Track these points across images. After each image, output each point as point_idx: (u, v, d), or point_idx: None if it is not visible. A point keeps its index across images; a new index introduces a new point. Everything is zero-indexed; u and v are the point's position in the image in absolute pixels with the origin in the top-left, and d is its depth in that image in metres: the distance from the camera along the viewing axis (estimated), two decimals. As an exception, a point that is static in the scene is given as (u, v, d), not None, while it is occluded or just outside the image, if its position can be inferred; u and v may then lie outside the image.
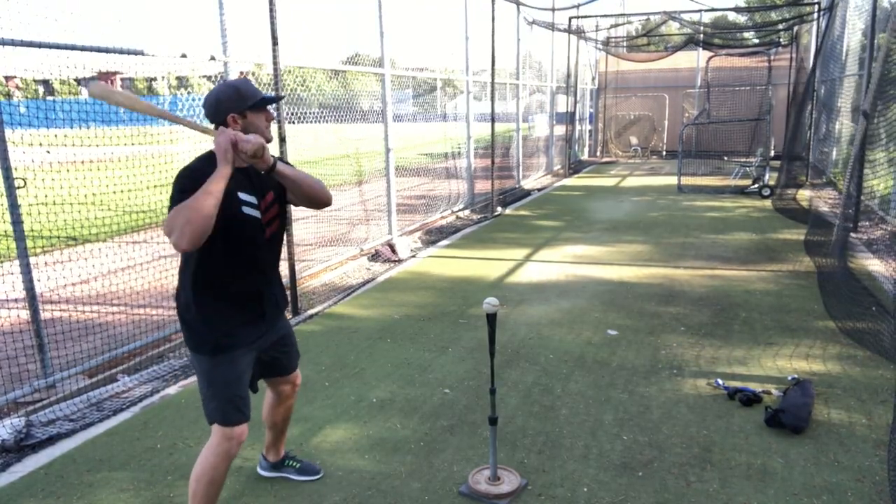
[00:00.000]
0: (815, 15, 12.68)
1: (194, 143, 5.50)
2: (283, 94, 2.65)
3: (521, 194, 12.58)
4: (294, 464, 3.16)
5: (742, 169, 12.93)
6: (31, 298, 4.04)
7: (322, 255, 7.35)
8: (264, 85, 6.20)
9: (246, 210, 2.45)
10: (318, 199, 2.58)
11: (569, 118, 16.30)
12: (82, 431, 3.64)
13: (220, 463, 2.53)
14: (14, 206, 3.89)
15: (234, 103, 2.41)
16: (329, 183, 8.41)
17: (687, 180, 12.71)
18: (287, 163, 2.57)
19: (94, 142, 4.62)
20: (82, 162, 4.88)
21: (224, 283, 2.48)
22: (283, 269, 6.09)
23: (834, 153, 12.55)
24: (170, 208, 2.26)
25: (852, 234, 7.79)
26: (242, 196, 2.44)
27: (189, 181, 2.29)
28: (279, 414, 3.01)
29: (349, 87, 7.94)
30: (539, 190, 13.26)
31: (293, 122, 6.40)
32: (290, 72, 6.16)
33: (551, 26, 14.78)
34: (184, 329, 2.54)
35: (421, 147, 14.12)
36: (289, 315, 5.58)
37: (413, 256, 7.71)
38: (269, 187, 2.55)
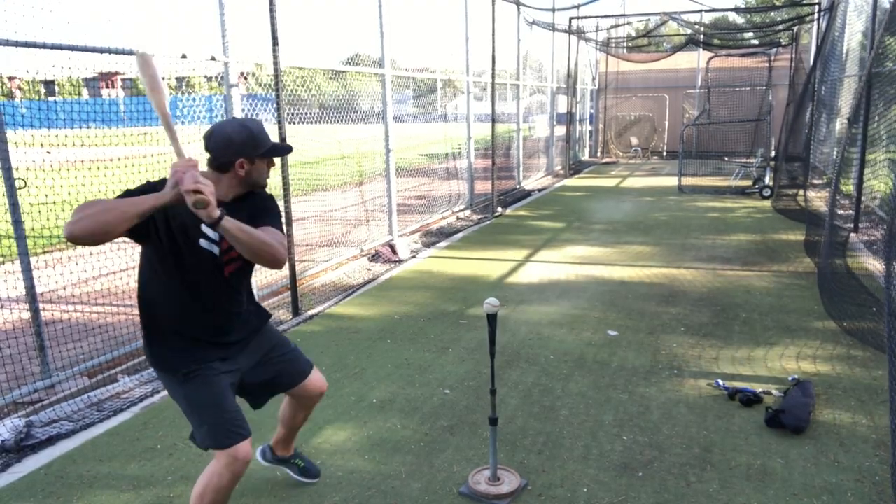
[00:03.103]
0: (816, 15, 12.68)
1: (190, 143, 5.50)
2: (291, 146, 2.51)
3: (521, 195, 12.58)
4: (299, 462, 3.13)
5: (742, 169, 12.93)
6: (32, 298, 4.04)
7: (322, 256, 7.35)
8: (265, 85, 6.20)
9: (202, 243, 2.31)
10: (263, 263, 2.27)
11: (569, 118, 16.30)
12: (82, 431, 3.64)
13: (226, 486, 2.38)
14: (14, 206, 3.89)
15: (248, 149, 2.31)
16: (329, 184, 8.43)
17: (687, 181, 12.71)
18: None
19: (94, 142, 4.62)
20: (82, 162, 4.88)
21: (176, 317, 2.36)
22: (284, 269, 6.10)
23: (834, 153, 12.54)
24: None
25: (853, 235, 7.79)
26: (204, 229, 2.29)
27: (136, 189, 2.22)
28: (300, 418, 2.94)
29: (349, 87, 7.94)
30: (539, 190, 13.26)
31: (293, 123, 6.40)
32: (289, 72, 6.16)
33: (551, 27, 14.79)
34: (149, 350, 2.40)
35: (421, 147, 14.12)
36: (289, 315, 5.59)
37: (413, 257, 7.71)
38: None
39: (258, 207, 2.40)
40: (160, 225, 2.24)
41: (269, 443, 3.15)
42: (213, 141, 2.31)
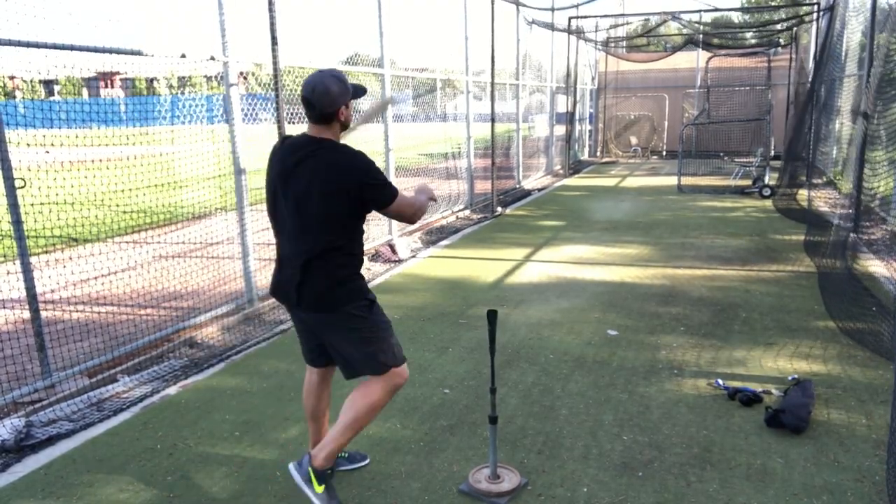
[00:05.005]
0: (815, 15, 12.69)
1: (192, 143, 5.51)
2: (365, 87, 2.92)
3: (521, 194, 12.59)
4: (343, 454, 3.23)
5: (742, 169, 12.93)
6: (31, 298, 4.04)
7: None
8: (264, 85, 6.19)
9: None
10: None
11: (568, 118, 16.30)
12: (82, 431, 3.64)
13: (384, 403, 2.83)
14: (14, 206, 3.89)
15: (345, 96, 2.67)
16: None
17: (687, 180, 12.71)
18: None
19: (94, 142, 4.62)
20: (82, 162, 4.88)
21: (362, 253, 2.88)
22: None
23: (834, 153, 12.54)
24: (388, 187, 2.72)
25: (852, 235, 7.79)
26: None
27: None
28: (325, 399, 3.15)
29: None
30: (539, 190, 13.26)
31: (293, 122, 6.39)
32: (290, 72, 6.16)
33: (551, 26, 14.78)
34: (348, 296, 2.76)
35: (421, 147, 14.11)
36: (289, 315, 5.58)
37: (413, 256, 7.71)
38: None
39: None
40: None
41: (307, 452, 3.16)
42: (317, 97, 2.62)
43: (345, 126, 2.74)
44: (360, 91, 2.76)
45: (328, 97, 2.61)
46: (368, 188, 2.65)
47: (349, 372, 2.86)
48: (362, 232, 2.84)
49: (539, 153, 15.83)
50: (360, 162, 2.65)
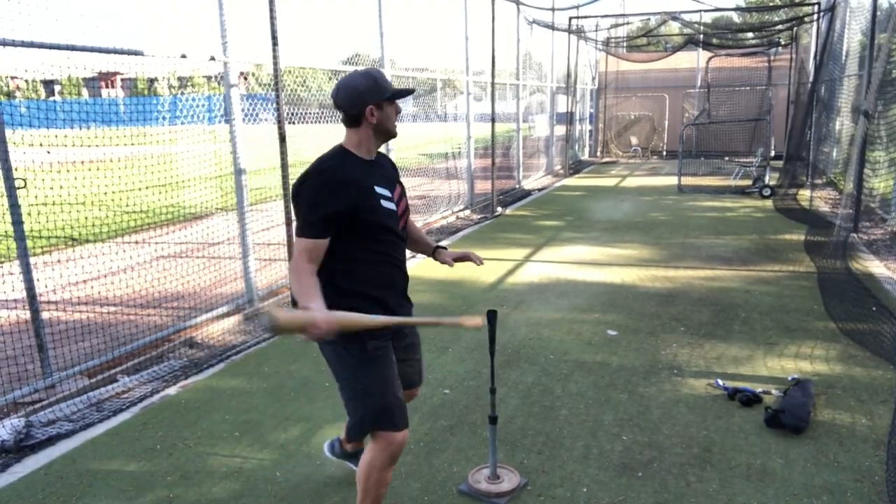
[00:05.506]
0: (815, 16, 12.69)
1: (195, 144, 5.51)
2: (412, 88, 2.62)
3: (521, 194, 12.58)
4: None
5: (742, 169, 12.94)
6: (31, 298, 4.04)
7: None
8: (264, 85, 6.19)
9: (384, 203, 2.42)
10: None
11: (568, 118, 16.30)
12: (82, 432, 3.64)
13: (386, 460, 2.50)
14: (14, 207, 3.89)
15: (374, 94, 2.36)
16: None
17: (687, 180, 12.71)
18: None
19: (94, 142, 4.63)
20: (82, 162, 4.89)
21: (364, 276, 2.44)
22: (283, 269, 6.09)
23: (834, 153, 12.54)
24: (303, 219, 2.30)
25: (852, 235, 7.79)
26: (379, 189, 2.41)
27: (323, 195, 2.29)
28: None
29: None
30: (539, 190, 13.26)
31: (293, 123, 6.40)
32: (290, 72, 6.16)
33: (551, 26, 14.78)
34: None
35: (421, 147, 14.12)
36: (289, 315, 5.58)
37: (413, 257, 7.71)
38: (396, 181, 2.56)
39: (394, 174, 2.57)
40: (348, 220, 2.32)
41: (339, 437, 3.12)
42: (342, 96, 2.38)
43: (380, 130, 2.41)
44: (401, 92, 2.44)
45: (352, 94, 2.34)
46: (295, 201, 2.37)
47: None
48: (364, 246, 2.41)
49: (539, 153, 15.83)
50: (306, 173, 2.36)
